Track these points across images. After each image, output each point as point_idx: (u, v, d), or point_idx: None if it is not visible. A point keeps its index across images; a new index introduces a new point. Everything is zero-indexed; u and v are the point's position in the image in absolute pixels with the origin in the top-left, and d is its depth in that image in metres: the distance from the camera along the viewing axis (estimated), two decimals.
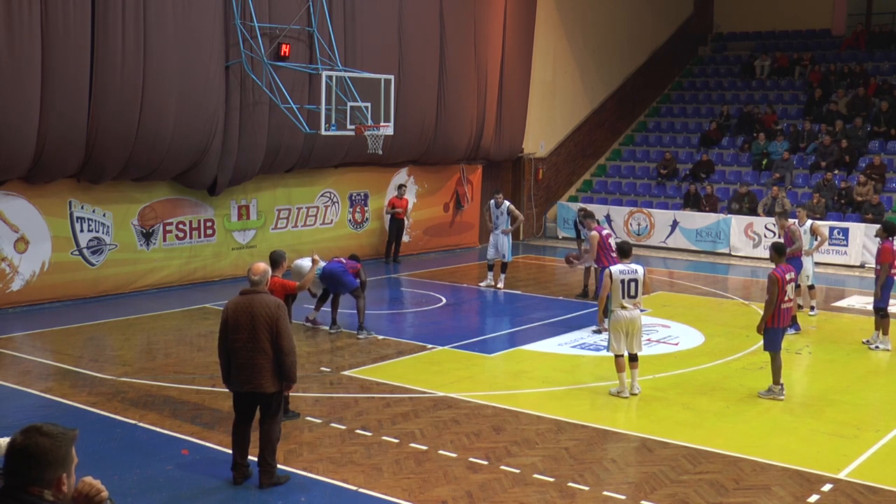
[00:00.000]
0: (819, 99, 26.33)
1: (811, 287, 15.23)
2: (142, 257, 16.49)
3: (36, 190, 14.90)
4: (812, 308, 15.31)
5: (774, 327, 10.57)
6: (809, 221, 15.20)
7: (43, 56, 13.73)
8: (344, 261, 13.47)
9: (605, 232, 14.50)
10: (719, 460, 8.58)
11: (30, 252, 14.91)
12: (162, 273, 16.81)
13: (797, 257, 14.46)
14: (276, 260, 9.72)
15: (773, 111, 26.73)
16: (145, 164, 15.56)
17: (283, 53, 16.91)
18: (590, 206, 24.75)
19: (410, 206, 21.29)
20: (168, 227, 16.86)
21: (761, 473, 8.26)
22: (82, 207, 15.58)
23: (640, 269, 10.61)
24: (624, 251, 10.88)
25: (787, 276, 10.54)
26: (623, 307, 10.51)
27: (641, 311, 10.80)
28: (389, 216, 20.82)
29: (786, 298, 10.50)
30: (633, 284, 10.50)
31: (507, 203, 17.38)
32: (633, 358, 10.65)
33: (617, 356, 10.57)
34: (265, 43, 16.60)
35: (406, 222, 21.04)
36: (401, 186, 20.96)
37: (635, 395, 10.58)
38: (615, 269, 10.61)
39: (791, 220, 14.93)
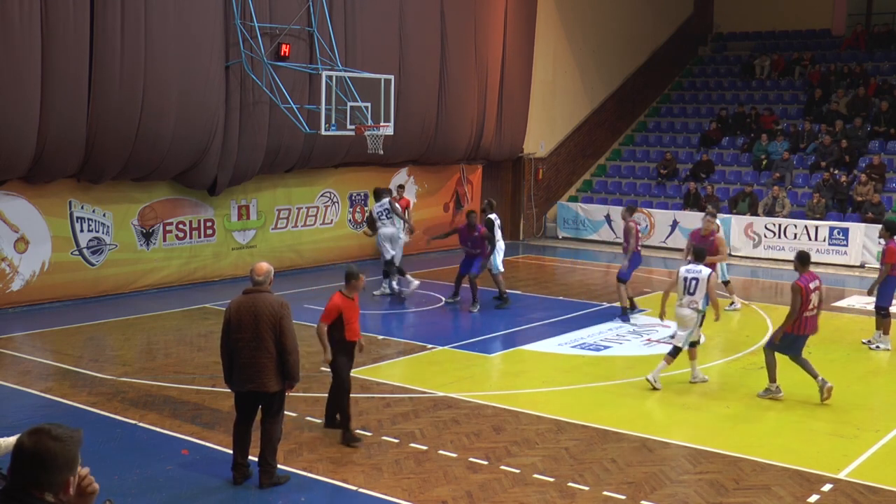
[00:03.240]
0: (819, 99, 26.32)
1: (727, 283, 15.83)
2: (142, 257, 16.49)
3: (36, 190, 14.90)
4: (733, 303, 15.80)
5: (795, 334, 10.53)
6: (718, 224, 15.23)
7: (43, 56, 13.73)
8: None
9: (641, 225, 14.80)
10: (719, 460, 8.58)
11: (30, 252, 14.91)
12: (162, 273, 16.81)
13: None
14: (352, 277, 8.85)
15: (772, 112, 26.74)
16: (145, 163, 15.56)
17: (283, 53, 16.90)
18: (590, 206, 24.98)
19: (411, 206, 21.26)
20: (168, 227, 16.86)
21: (761, 473, 8.26)
22: (82, 207, 15.58)
23: (704, 269, 11.13)
24: (698, 255, 11.40)
25: (812, 286, 10.49)
26: (683, 304, 11.08)
27: (699, 309, 11.07)
28: None
29: (810, 307, 10.48)
30: (693, 283, 11.06)
31: (394, 203, 17.28)
32: (693, 344, 11.23)
33: (687, 347, 11.09)
34: (265, 43, 16.59)
35: None
36: (400, 187, 20.94)
37: (657, 390, 10.79)
38: (682, 268, 11.31)
39: (719, 226, 14.97)
